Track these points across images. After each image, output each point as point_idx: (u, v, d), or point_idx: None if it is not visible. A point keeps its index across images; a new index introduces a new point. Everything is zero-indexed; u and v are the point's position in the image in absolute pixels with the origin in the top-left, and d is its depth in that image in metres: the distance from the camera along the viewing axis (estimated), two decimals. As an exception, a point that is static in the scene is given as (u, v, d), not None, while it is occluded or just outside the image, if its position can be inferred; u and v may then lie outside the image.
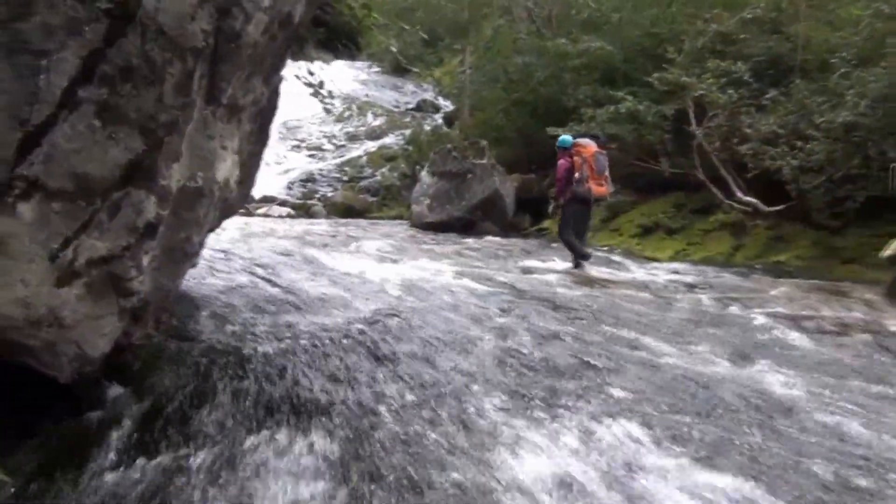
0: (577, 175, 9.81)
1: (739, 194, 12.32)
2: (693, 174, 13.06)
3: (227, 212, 4.66)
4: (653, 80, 13.34)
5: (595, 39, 16.34)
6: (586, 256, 10.08)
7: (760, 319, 6.94)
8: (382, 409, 3.79)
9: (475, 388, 4.20)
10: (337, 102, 26.62)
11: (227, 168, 3.73)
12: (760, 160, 11.58)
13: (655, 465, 3.53)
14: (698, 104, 12.99)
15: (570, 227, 10.08)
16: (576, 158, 9.94)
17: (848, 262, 10.48)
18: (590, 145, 10.04)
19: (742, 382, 4.93)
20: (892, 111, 10.08)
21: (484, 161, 15.92)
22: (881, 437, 4.05)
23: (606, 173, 10.01)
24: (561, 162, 10.13)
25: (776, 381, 5.03)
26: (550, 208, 11.22)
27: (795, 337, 6.35)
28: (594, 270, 9.93)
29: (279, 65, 4.64)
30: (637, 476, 3.41)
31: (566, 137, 10.46)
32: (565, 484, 3.29)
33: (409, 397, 3.97)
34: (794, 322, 6.86)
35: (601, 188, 9.95)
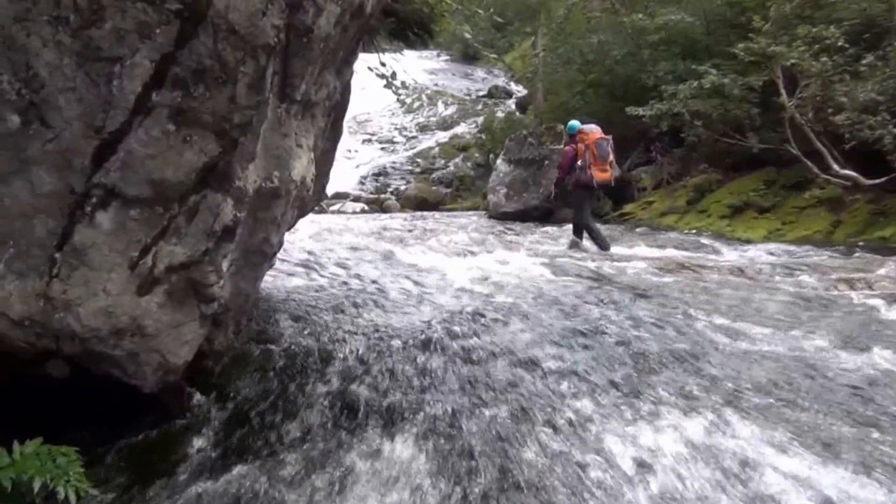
0: (579, 162, 10.06)
1: (836, 167, 11.67)
2: (784, 148, 12.44)
3: (303, 210, 4.58)
4: (738, 52, 12.76)
5: (674, 12, 15.77)
6: (593, 235, 10.23)
7: (870, 302, 6.50)
8: (471, 410, 3.67)
9: (569, 386, 4.04)
10: (407, 93, 26.70)
11: (303, 166, 3.63)
12: (858, 130, 10.94)
13: (765, 460, 3.35)
14: (788, 74, 12.36)
15: (585, 212, 10.37)
16: (579, 145, 10.16)
17: (959, 234, 9.84)
18: (593, 132, 10.23)
19: (857, 372, 4.61)
20: None
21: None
22: None
23: (611, 159, 10.22)
24: (567, 149, 10.43)
25: (891, 367, 4.70)
26: (552, 195, 11.62)
27: None
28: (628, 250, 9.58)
29: (351, 58, 4.53)
30: (754, 476, 3.24)
31: (574, 123, 10.68)
32: (662, 481, 3.16)
33: (499, 397, 3.84)
34: (907, 304, 6.41)
35: (604, 174, 10.13)
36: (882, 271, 8.04)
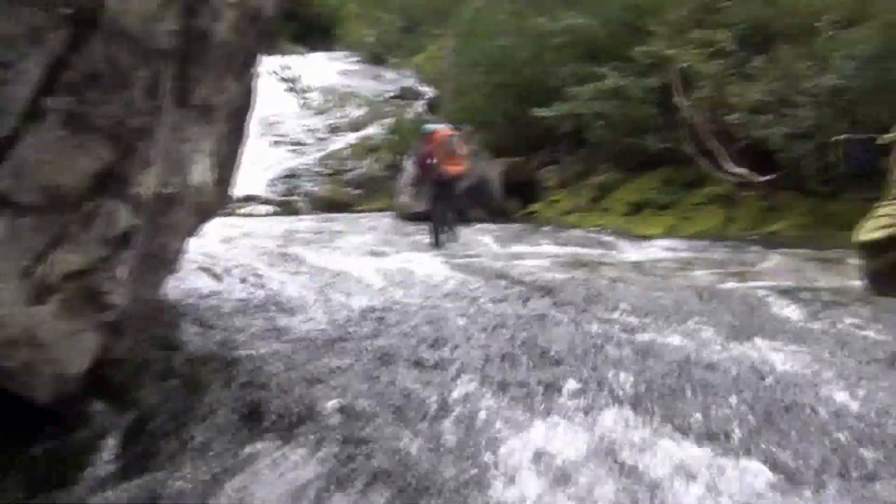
0: (431, 160, 10.76)
1: (729, 165, 12.22)
2: (681, 148, 12.95)
3: (206, 215, 4.55)
4: (636, 55, 13.20)
5: (576, 16, 16.15)
6: (442, 230, 10.95)
7: (757, 293, 6.83)
8: (377, 411, 3.66)
9: (470, 383, 4.07)
10: (316, 95, 26.39)
11: (202, 171, 3.62)
12: (749, 130, 11.49)
13: (662, 452, 3.42)
14: (683, 76, 12.87)
15: (435, 206, 11.05)
16: (430, 145, 10.90)
17: (843, 228, 10.40)
18: (441, 130, 11.10)
19: (742, 362, 4.83)
20: (882, 73, 9.96)
21: (470, 147, 15.70)
22: (875, 410, 3.98)
23: (462, 152, 11.01)
24: (421, 150, 11.21)
25: (776, 358, 4.93)
26: (413, 192, 12.30)
27: (794, 310, 6.24)
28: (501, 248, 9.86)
29: (252, 62, 4.51)
30: (644, 464, 3.32)
31: (426, 127, 11.58)
32: (564, 475, 3.19)
33: (403, 397, 3.85)
34: (792, 295, 6.76)
35: (455, 167, 10.83)
36: (769, 264, 8.49)
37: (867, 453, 3.45)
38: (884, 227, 1.10)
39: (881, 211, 1.14)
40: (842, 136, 8.55)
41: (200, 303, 5.16)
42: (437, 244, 10.72)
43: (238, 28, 3.64)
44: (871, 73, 10.12)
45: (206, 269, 6.34)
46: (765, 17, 12.97)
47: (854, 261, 8.20)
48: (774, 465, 3.35)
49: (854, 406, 4.04)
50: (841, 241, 9.88)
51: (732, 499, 3.11)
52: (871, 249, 1.15)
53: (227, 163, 4.48)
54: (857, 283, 7.01)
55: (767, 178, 11.69)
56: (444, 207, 11.13)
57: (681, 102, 12.78)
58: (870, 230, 1.17)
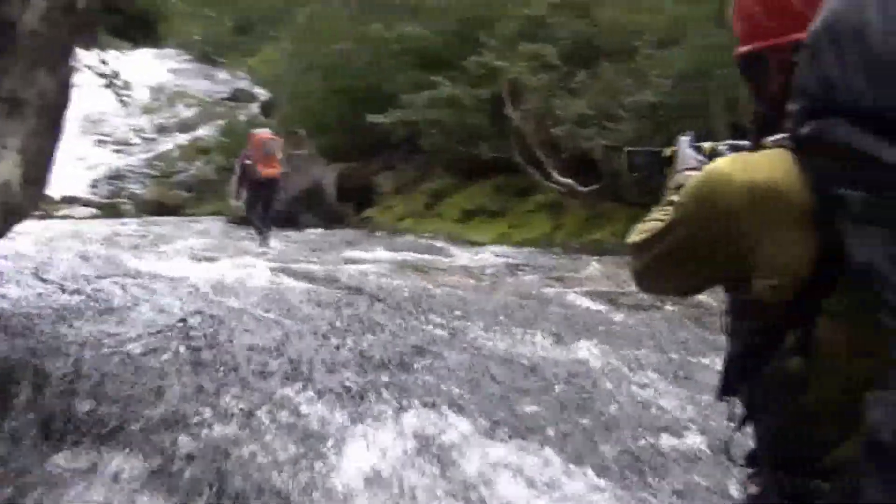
0: (248, 162, 11.39)
1: (556, 175, 12.69)
2: (511, 157, 13.34)
3: (14, 215, 4.23)
4: (468, 65, 13.48)
5: (411, 24, 16.31)
6: (261, 231, 11.46)
7: (580, 298, 7.15)
8: (197, 419, 3.57)
9: (295, 389, 4.04)
10: (143, 93, 25.27)
11: (7, 168, 3.33)
12: (574, 141, 11.97)
13: (477, 450, 3.55)
14: (513, 88, 13.26)
15: (252, 208, 11.67)
16: (249, 148, 11.67)
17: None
18: (259, 133, 12.04)
19: (561, 362, 5.04)
20: (693, 90, 10.65)
21: (304, 151, 15.61)
22: (683, 403, 4.23)
23: (277, 155, 11.60)
24: (243, 152, 11.81)
25: (593, 357, 5.19)
26: (233, 194, 12.48)
27: (613, 313, 6.58)
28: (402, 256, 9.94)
29: (68, 55, 4.25)
30: (459, 457, 3.46)
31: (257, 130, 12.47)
32: (387, 477, 3.26)
33: (223, 404, 3.76)
34: (612, 298, 7.12)
35: (269, 169, 11.39)
36: (592, 270, 8.88)
37: (667, 442, 3.72)
38: (646, 231, 1.18)
39: (650, 216, 1.23)
40: (627, 148, 9.06)
41: (13, 310, 4.86)
42: (264, 243, 11.11)
43: (50, 19, 3.44)
44: (683, 90, 10.80)
45: (20, 274, 5.97)
46: (588, 35, 13.60)
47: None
48: (578, 458, 3.53)
49: (654, 398, 4.33)
50: (656, 249, 10.53)
51: (535, 487, 3.26)
52: (634, 251, 1.24)
53: (38, 161, 4.17)
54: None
55: (591, 188, 12.22)
56: (261, 208, 11.66)
57: (511, 113, 13.16)
58: (636, 233, 1.26)
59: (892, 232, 0.84)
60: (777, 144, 1.00)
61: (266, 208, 11.79)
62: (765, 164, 0.97)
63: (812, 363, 0.92)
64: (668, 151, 1.38)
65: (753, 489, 1.01)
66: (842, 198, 0.87)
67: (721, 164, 1.02)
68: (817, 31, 0.92)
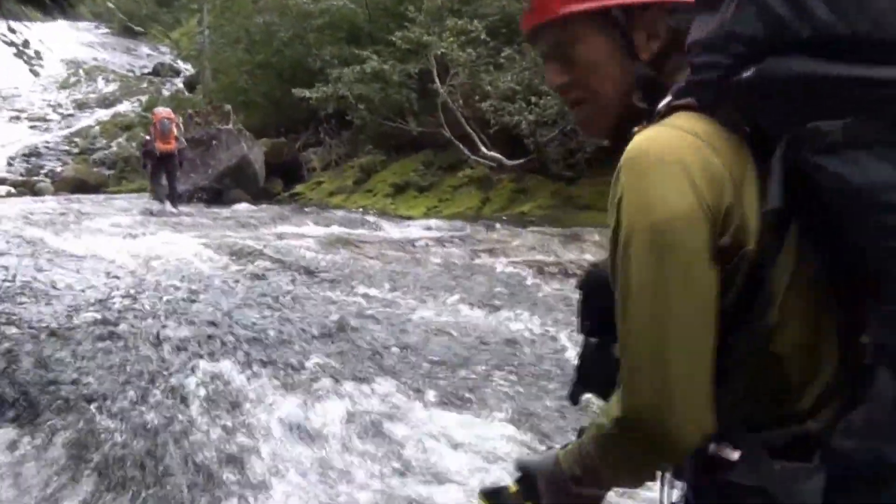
0: (147, 138, 13.11)
1: (484, 150, 12.82)
2: (440, 132, 13.40)
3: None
4: (396, 40, 13.45)
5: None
6: (161, 200, 12.86)
7: (506, 268, 7.30)
8: (121, 395, 3.53)
9: (222, 362, 4.03)
10: (60, 67, 24.44)
11: None
12: (501, 116, 12.09)
13: (406, 415, 3.63)
14: (441, 63, 13.29)
15: (155, 178, 13.12)
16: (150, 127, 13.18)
17: (583, 209, 11.28)
18: (157, 113, 13.44)
19: (488, 328, 5.18)
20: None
21: (229, 126, 15.41)
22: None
23: (173, 133, 12.90)
24: (150, 128, 13.38)
25: (521, 323, 5.35)
26: (143, 165, 14.01)
27: (538, 281, 6.76)
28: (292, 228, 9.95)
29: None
30: (392, 426, 3.50)
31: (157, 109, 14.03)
32: (317, 445, 3.29)
33: (146, 379, 3.73)
34: (538, 267, 7.30)
35: (166, 145, 12.75)
36: (518, 241, 9.05)
37: (599, 402, 3.85)
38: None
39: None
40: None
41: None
42: (161, 200, 12.74)
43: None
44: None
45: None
46: (515, 10, 13.68)
47: (591, 238, 8.98)
48: (506, 419, 3.65)
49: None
50: (580, 220, 10.77)
51: (472, 451, 3.34)
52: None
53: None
54: (591, 257, 7.69)
55: (517, 162, 12.40)
56: (167, 181, 13.04)
57: (439, 88, 13.20)
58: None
59: (881, 151, 0.85)
60: (673, 108, 0.97)
61: (171, 181, 13.10)
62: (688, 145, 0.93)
63: (775, 308, 0.91)
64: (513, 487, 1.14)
65: (734, 454, 0.94)
66: (813, 130, 0.86)
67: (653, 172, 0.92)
68: None
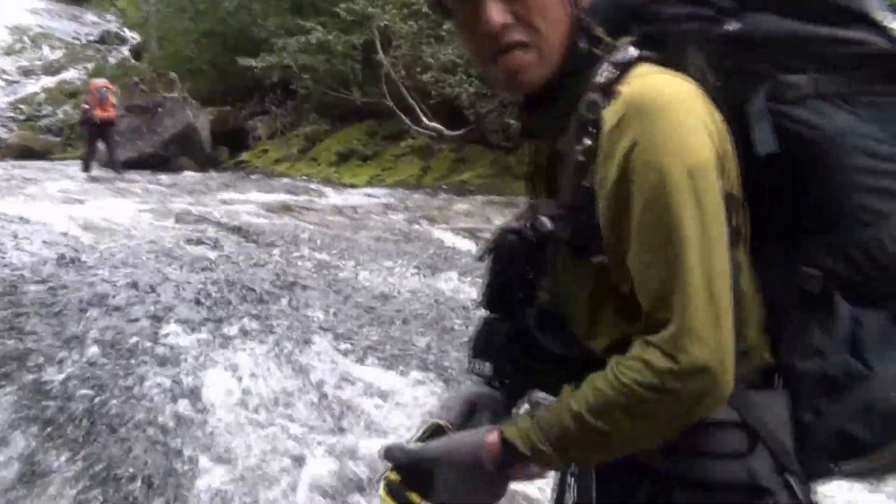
0: (86, 106, 13.57)
1: (425, 121, 13.11)
2: (383, 102, 13.65)
3: None
4: (340, 11, 13.62)
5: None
6: (89, 166, 13.44)
7: (445, 234, 7.58)
8: (58, 357, 3.52)
9: (170, 324, 4.05)
10: (5, 33, 23.96)
11: None
12: (441, 88, 12.39)
13: (346, 374, 3.75)
14: (384, 34, 13.50)
15: (92, 144, 13.65)
16: (88, 96, 13.71)
17: (519, 177, 11.65)
18: (95, 82, 14.21)
19: (424, 291, 5.38)
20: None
21: (175, 94, 15.38)
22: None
23: (111, 101, 13.48)
24: (87, 97, 13.90)
25: (454, 286, 5.57)
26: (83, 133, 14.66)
27: (473, 247, 6.89)
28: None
29: None
30: (330, 384, 3.63)
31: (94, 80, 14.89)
32: (252, 397, 3.38)
33: (88, 340, 3.72)
34: (475, 234, 7.59)
35: (105, 113, 13.32)
36: (457, 209, 9.36)
37: None
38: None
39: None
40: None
41: None
42: (87, 170, 13.17)
43: None
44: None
45: None
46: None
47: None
48: (449, 379, 3.82)
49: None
50: (517, 189, 11.06)
51: (407, 406, 3.52)
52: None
53: None
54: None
55: (458, 132, 12.75)
56: (106, 149, 13.49)
57: (382, 59, 13.43)
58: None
59: (842, 103, 0.92)
60: (629, 61, 0.94)
61: (111, 148, 13.55)
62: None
63: (746, 248, 0.96)
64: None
65: None
66: (787, 83, 0.92)
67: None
68: None
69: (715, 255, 0.87)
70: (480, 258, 1.14)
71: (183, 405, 3.24)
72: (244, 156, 15.69)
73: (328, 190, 11.77)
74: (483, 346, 1.13)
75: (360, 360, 3.94)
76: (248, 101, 16.96)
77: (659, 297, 0.87)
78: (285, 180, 13.03)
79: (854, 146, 0.92)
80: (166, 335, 3.89)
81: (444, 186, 11.92)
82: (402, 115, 13.40)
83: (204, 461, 2.92)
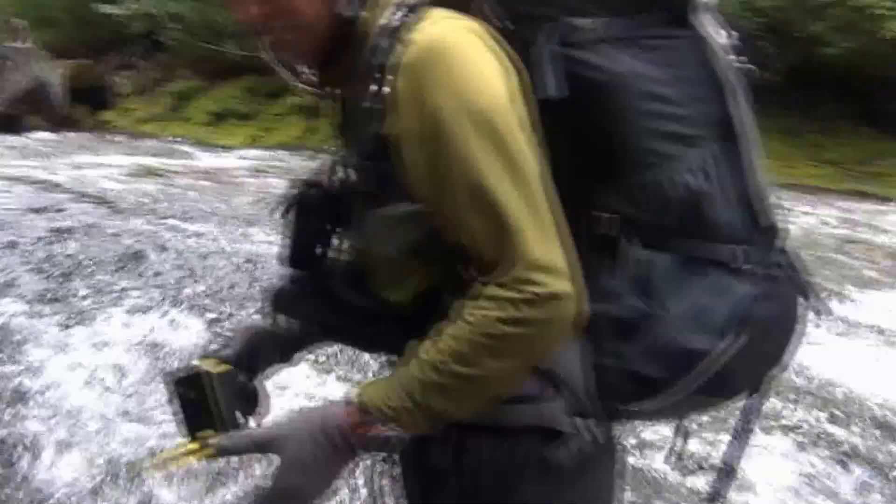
0: None
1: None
2: (262, 56, 12.85)
3: None
4: (213, -48, 12.74)
5: None
6: None
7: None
8: None
9: (4, 298, 3.89)
10: None
11: None
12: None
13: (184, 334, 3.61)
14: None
15: None
16: None
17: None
18: None
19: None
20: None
21: (24, 45, 14.38)
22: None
23: None
24: None
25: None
26: None
27: None
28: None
29: None
30: (169, 350, 3.45)
31: None
32: (99, 372, 3.19)
33: None
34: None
35: None
36: (341, 172, 8.94)
37: None
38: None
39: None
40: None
41: None
42: None
43: None
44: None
45: None
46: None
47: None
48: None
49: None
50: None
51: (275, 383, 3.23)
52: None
53: None
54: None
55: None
56: None
57: (259, 7, 12.68)
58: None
59: (626, 47, 0.94)
60: (418, 3, 0.93)
61: None
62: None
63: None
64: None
65: None
66: (573, 25, 0.93)
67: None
68: None
69: (531, 186, 0.89)
70: (283, 214, 1.10)
71: (23, 386, 3.07)
72: (106, 115, 14.66)
73: (200, 152, 11.36)
74: (288, 302, 1.12)
75: (223, 330, 3.75)
76: (110, 54, 15.79)
77: (490, 243, 0.88)
78: (152, 141, 12.41)
79: (640, 90, 0.95)
80: (4, 312, 3.72)
81: (329, 148, 11.37)
82: (282, 71, 12.60)
83: (46, 439, 2.77)
